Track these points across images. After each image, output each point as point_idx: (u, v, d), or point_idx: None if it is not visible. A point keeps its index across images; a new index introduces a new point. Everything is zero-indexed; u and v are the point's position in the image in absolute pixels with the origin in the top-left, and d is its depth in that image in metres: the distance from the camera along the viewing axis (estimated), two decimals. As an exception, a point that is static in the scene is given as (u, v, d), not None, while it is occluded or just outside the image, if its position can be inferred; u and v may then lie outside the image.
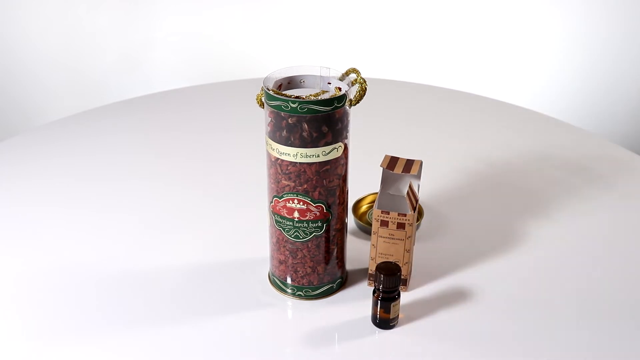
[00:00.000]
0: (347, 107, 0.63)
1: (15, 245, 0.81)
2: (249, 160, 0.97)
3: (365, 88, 0.64)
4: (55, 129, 1.12)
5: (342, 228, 0.70)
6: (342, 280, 0.73)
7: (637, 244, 0.81)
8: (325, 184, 0.65)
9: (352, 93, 0.64)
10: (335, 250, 0.70)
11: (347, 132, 0.65)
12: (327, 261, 0.69)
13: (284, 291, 0.71)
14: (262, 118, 0.66)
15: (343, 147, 0.64)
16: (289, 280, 0.71)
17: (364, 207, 0.84)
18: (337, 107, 0.61)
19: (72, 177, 0.96)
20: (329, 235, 0.68)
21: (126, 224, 0.85)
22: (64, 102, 1.90)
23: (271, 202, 0.67)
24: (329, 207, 0.66)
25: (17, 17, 1.83)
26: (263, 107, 0.65)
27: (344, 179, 0.67)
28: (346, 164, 0.67)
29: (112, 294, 0.72)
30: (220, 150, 1.04)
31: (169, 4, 1.83)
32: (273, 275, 0.72)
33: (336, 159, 0.64)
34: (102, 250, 0.80)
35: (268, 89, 0.62)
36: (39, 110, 1.91)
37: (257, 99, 0.65)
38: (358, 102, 0.64)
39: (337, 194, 0.66)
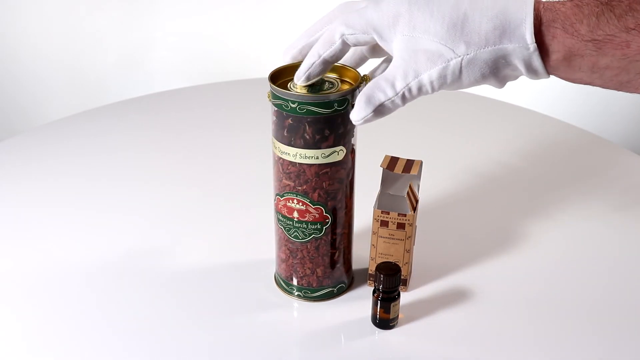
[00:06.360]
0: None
1: (15, 246, 0.81)
2: (250, 160, 0.98)
3: None
4: (55, 128, 1.12)
5: (346, 234, 0.69)
6: (345, 286, 0.72)
7: (638, 244, 0.81)
8: (325, 187, 0.64)
9: (356, 97, 0.63)
10: (337, 254, 0.69)
11: (351, 136, 0.64)
12: (326, 264, 0.69)
13: (286, 290, 0.72)
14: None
15: (345, 151, 0.64)
16: (290, 280, 0.71)
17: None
18: (337, 111, 0.61)
19: (72, 177, 0.96)
20: (329, 238, 0.67)
21: (127, 225, 0.85)
22: (64, 101, 1.90)
23: (274, 200, 0.67)
24: (329, 210, 0.66)
25: (17, 17, 1.83)
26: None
27: (348, 184, 0.66)
28: (352, 169, 0.66)
29: (116, 295, 0.72)
30: (221, 150, 1.04)
31: (169, 4, 1.83)
32: (278, 274, 0.72)
33: (337, 163, 0.64)
34: (103, 251, 0.79)
35: (272, 85, 0.62)
36: (39, 110, 1.91)
37: (268, 95, 0.65)
38: None
39: (339, 197, 0.66)
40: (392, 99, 0.54)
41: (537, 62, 0.51)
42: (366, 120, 0.56)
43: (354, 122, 0.57)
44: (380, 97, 0.54)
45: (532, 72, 0.52)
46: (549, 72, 0.52)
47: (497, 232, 0.83)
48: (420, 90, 0.54)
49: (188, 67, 1.88)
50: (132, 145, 1.06)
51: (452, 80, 0.53)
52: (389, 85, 0.54)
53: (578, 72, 0.51)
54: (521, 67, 0.52)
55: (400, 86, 0.54)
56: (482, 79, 0.53)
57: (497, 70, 0.52)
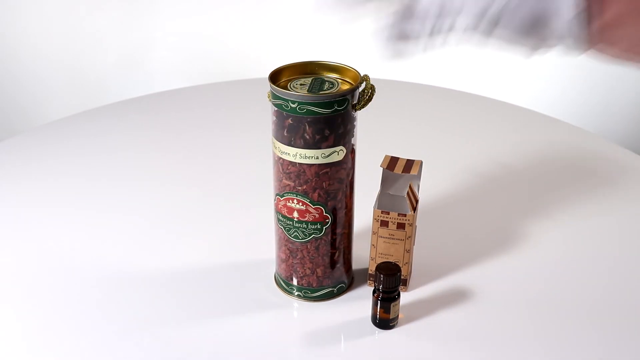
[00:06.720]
0: (353, 112, 0.63)
1: (15, 246, 0.81)
2: (250, 160, 0.98)
3: (372, 95, 0.63)
4: (55, 128, 1.12)
5: (346, 234, 0.69)
6: (345, 286, 0.72)
7: (638, 244, 0.81)
8: (325, 187, 0.64)
9: (357, 97, 0.63)
10: (337, 254, 0.69)
11: (351, 136, 0.64)
12: (326, 264, 0.69)
13: (286, 290, 0.71)
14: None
15: (345, 151, 0.64)
16: (290, 280, 0.71)
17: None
18: (337, 111, 0.61)
19: (72, 177, 0.96)
20: (329, 238, 0.67)
21: (128, 225, 0.85)
22: (64, 101, 1.90)
23: (274, 200, 0.67)
24: (329, 210, 0.66)
25: (17, 17, 1.83)
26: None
27: (347, 184, 0.66)
28: (352, 169, 0.66)
29: (116, 296, 0.72)
30: (221, 150, 1.04)
31: (169, 4, 1.83)
32: (278, 274, 0.72)
33: (337, 163, 0.64)
34: (103, 251, 0.79)
35: (272, 85, 0.62)
36: (39, 110, 1.91)
37: (268, 95, 0.65)
38: (363, 107, 0.63)
39: (339, 197, 0.66)
40: (420, 34, 0.52)
41: (579, 25, 0.49)
42: (388, 51, 0.53)
43: (381, 53, 0.54)
44: (408, 31, 0.52)
45: (571, 37, 0.50)
46: (588, 39, 0.50)
47: (497, 232, 0.83)
48: (450, 31, 0.52)
49: (188, 67, 1.88)
50: (132, 145, 1.06)
51: (486, 28, 0.51)
52: (419, 21, 0.52)
53: (619, 42, 0.50)
54: (561, 29, 0.50)
55: (430, 23, 0.52)
56: (516, 35, 0.51)
57: (535, 29, 0.50)
